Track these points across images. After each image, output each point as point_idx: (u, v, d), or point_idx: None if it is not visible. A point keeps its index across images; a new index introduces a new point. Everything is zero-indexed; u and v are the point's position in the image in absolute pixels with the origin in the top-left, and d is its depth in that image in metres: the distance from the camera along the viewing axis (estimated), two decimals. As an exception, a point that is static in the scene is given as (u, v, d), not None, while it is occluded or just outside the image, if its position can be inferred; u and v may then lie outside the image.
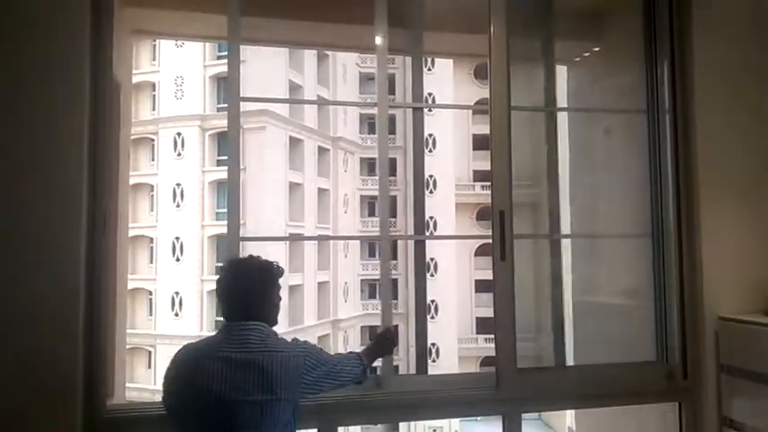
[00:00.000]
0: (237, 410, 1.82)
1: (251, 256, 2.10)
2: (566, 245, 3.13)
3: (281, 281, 2.11)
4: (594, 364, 2.94)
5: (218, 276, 2.06)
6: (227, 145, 2.64)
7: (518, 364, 2.63)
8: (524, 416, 2.73)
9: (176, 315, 23.81)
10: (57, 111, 2.28)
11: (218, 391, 1.82)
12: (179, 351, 1.99)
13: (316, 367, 1.98)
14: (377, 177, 3.08)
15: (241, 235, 2.57)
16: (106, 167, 2.39)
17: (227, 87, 2.61)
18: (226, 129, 2.52)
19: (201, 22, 3.20)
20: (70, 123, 2.28)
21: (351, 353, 2.25)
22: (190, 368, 1.89)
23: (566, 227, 3.18)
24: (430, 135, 30.07)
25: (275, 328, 2.05)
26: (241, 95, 2.57)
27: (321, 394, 2.10)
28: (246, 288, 2.00)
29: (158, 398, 2.05)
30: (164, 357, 23.18)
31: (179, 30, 3.64)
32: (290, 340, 2.04)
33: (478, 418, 18.42)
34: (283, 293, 2.13)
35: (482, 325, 28.39)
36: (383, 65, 2.74)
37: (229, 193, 2.62)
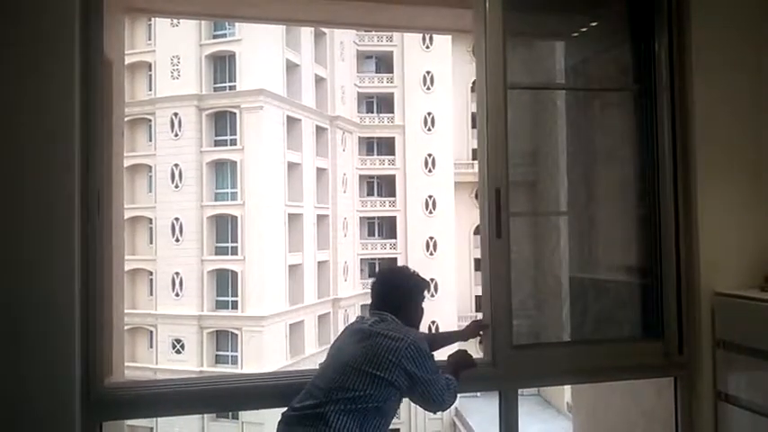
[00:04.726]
0: (347, 372, 2.08)
1: (406, 266, 2.53)
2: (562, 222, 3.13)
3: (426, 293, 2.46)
4: (590, 340, 2.96)
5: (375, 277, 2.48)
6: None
7: (514, 340, 2.65)
8: (523, 392, 2.75)
9: (177, 295, 23.90)
10: (46, 90, 2.25)
11: (338, 352, 2.21)
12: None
13: (415, 360, 2.10)
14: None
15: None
16: (99, 148, 2.36)
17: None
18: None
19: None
20: (60, 103, 2.25)
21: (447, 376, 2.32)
22: (344, 330, 2.36)
23: (562, 204, 3.18)
24: (429, 113, 29.96)
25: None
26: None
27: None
28: (395, 286, 2.38)
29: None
30: (164, 337, 23.38)
31: (173, 7, 3.58)
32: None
33: (478, 395, 18.57)
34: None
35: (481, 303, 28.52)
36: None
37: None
